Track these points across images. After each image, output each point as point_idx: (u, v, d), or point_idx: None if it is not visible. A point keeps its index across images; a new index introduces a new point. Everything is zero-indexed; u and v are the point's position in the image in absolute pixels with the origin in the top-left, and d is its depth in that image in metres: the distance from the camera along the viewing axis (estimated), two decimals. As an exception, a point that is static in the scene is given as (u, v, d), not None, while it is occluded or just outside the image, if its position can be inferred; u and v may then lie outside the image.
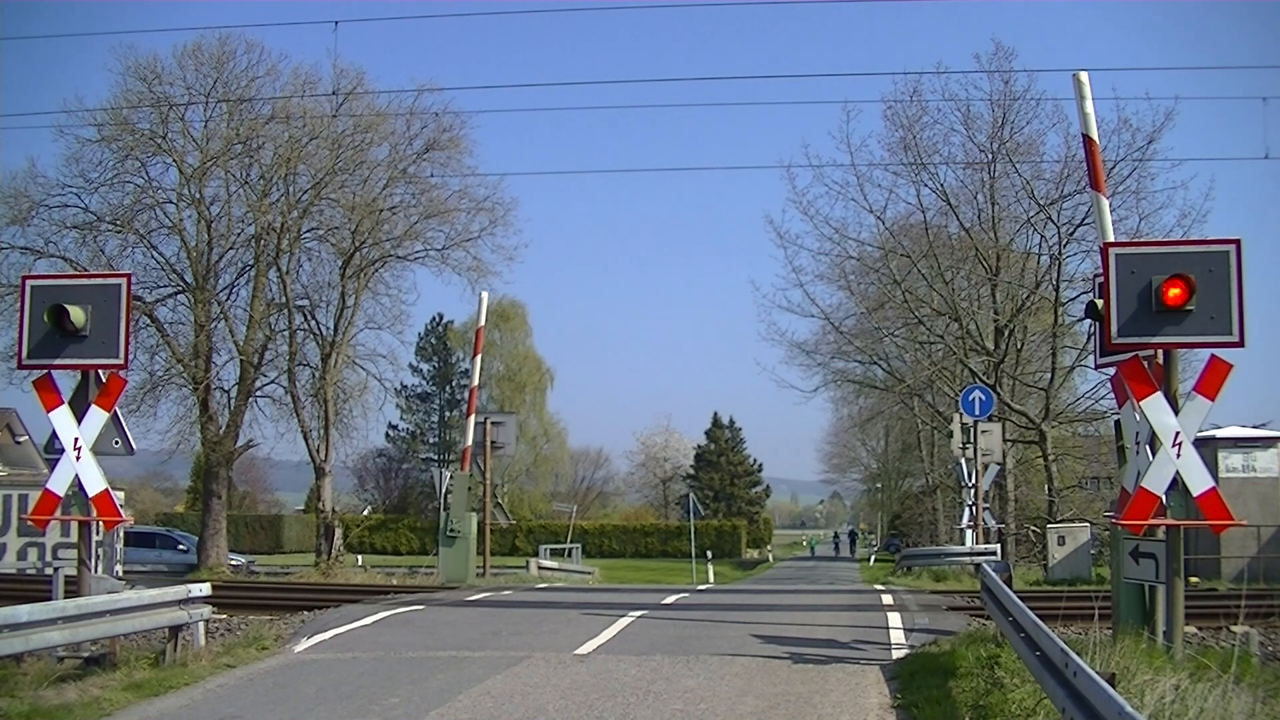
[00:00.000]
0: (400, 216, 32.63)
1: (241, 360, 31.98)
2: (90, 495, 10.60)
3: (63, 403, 10.61)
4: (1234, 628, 10.89)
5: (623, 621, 12.77)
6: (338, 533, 31.94)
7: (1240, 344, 8.86)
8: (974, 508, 25.17)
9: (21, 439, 31.62)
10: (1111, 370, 9.95)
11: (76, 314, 10.28)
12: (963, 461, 25.75)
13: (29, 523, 13.45)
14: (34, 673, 9.20)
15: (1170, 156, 34.09)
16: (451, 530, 22.62)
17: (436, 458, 62.37)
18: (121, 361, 10.65)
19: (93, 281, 11.77)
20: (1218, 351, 8.87)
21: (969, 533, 25.46)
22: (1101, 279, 9.35)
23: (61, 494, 10.68)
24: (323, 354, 32.07)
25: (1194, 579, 16.62)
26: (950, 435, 25.90)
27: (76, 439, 10.53)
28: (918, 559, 28.71)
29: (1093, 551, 23.37)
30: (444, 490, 23.92)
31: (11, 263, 29.94)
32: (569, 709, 7.99)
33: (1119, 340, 9.05)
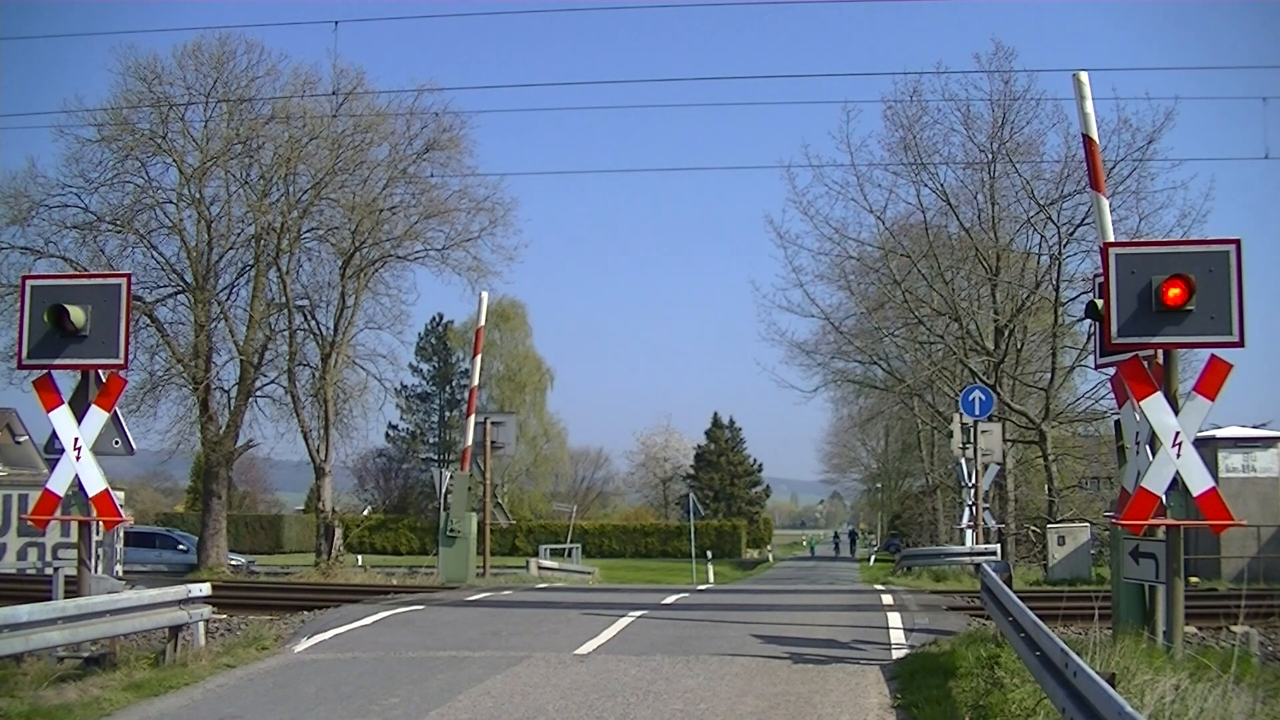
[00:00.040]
0: (400, 216, 32.66)
1: (241, 360, 31.98)
2: (90, 495, 10.60)
3: (63, 403, 10.61)
4: (1234, 628, 10.89)
5: (623, 621, 12.77)
6: (338, 533, 31.95)
7: (1240, 344, 8.86)
8: (974, 508, 25.17)
9: (21, 439, 31.62)
10: (1111, 370, 9.95)
11: (76, 314, 10.29)
12: (963, 461, 25.75)
13: (29, 523, 13.44)
14: (34, 673, 9.20)
15: (1170, 156, 34.19)
16: (451, 530, 22.62)
17: (436, 458, 62.37)
18: (121, 361, 10.66)
19: (93, 281, 11.78)
20: (1218, 351, 8.88)
21: (969, 533, 25.46)
22: (1101, 279, 9.36)
23: (61, 494, 10.68)
24: (323, 354, 32.08)
25: (1194, 579, 16.62)
26: (950, 435, 25.90)
27: (76, 439, 10.53)
28: (918, 559, 28.71)
29: (1093, 551, 23.37)
30: (444, 490, 23.92)
31: (11, 263, 30.00)
32: (569, 709, 8.00)
33: (1119, 340, 9.05)
